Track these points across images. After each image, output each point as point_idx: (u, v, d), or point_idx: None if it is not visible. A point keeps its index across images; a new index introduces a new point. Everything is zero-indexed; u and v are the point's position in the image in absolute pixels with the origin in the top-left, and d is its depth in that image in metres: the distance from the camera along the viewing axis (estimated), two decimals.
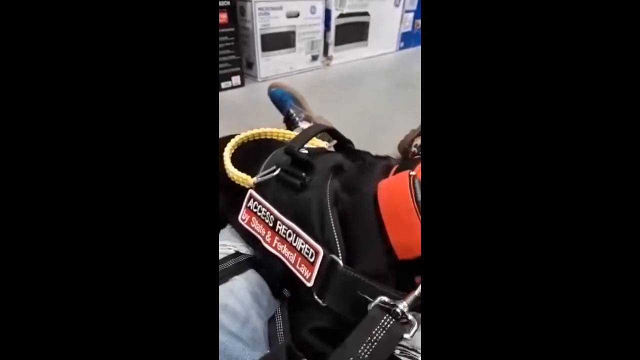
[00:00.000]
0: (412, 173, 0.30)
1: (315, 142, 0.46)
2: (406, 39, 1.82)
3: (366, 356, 0.21)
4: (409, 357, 0.24)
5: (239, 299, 0.30)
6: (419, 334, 0.26)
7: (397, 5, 1.67)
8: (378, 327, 0.23)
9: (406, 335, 0.22)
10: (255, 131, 0.45)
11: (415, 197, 0.28)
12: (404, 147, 0.62)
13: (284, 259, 0.31)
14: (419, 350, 0.24)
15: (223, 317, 0.29)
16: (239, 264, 0.34)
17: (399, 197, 0.29)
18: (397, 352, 0.24)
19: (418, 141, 0.59)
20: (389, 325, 0.23)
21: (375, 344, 0.22)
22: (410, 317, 0.23)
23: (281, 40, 1.31)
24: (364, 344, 0.22)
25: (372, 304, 0.24)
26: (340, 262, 0.28)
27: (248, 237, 0.36)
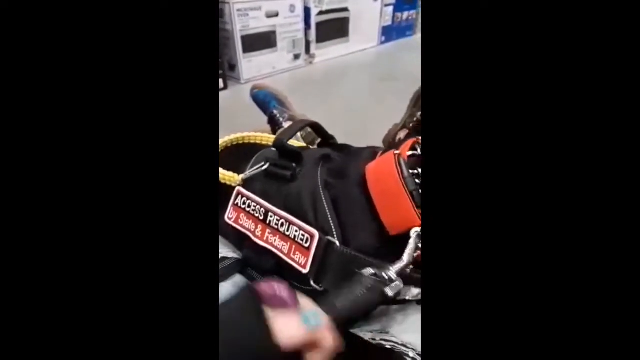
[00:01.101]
0: (397, 152, 0.31)
1: (299, 144, 0.46)
2: (387, 33, 1.82)
3: (347, 304, 0.24)
4: (400, 352, 0.24)
5: None
6: (408, 328, 0.26)
7: (375, 0, 1.67)
8: (361, 285, 0.25)
9: (389, 292, 0.25)
10: (238, 135, 0.45)
11: (402, 174, 0.28)
12: (389, 142, 0.63)
13: (276, 251, 0.31)
14: (409, 346, 0.24)
15: None
16: (226, 269, 0.33)
17: (386, 176, 0.29)
18: (387, 346, 0.25)
19: (401, 134, 0.59)
20: (370, 285, 0.25)
21: (358, 296, 0.24)
22: (394, 278, 0.25)
23: (262, 41, 1.30)
24: (345, 296, 0.24)
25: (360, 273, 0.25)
26: (337, 242, 0.28)
27: (236, 238, 0.36)
